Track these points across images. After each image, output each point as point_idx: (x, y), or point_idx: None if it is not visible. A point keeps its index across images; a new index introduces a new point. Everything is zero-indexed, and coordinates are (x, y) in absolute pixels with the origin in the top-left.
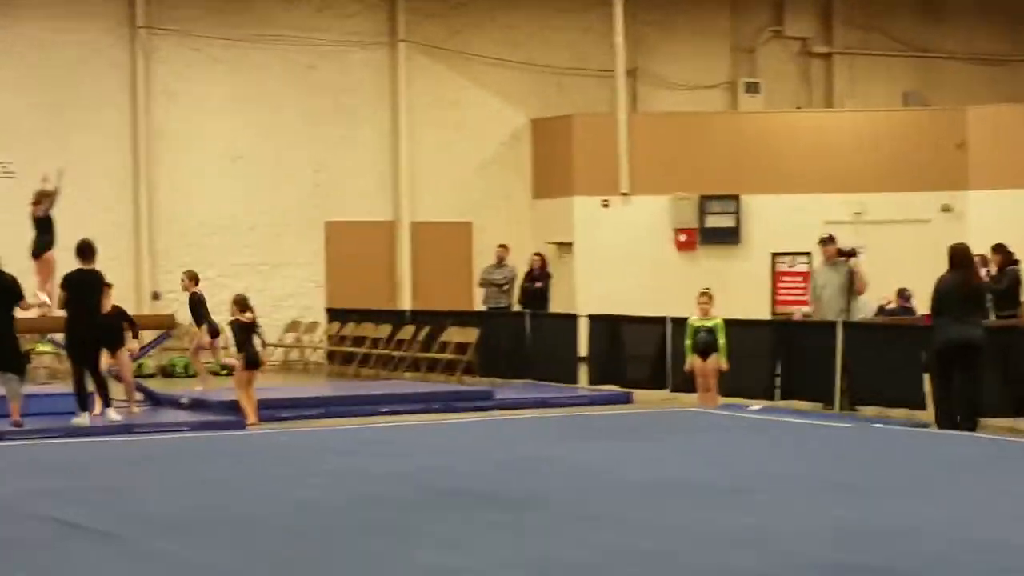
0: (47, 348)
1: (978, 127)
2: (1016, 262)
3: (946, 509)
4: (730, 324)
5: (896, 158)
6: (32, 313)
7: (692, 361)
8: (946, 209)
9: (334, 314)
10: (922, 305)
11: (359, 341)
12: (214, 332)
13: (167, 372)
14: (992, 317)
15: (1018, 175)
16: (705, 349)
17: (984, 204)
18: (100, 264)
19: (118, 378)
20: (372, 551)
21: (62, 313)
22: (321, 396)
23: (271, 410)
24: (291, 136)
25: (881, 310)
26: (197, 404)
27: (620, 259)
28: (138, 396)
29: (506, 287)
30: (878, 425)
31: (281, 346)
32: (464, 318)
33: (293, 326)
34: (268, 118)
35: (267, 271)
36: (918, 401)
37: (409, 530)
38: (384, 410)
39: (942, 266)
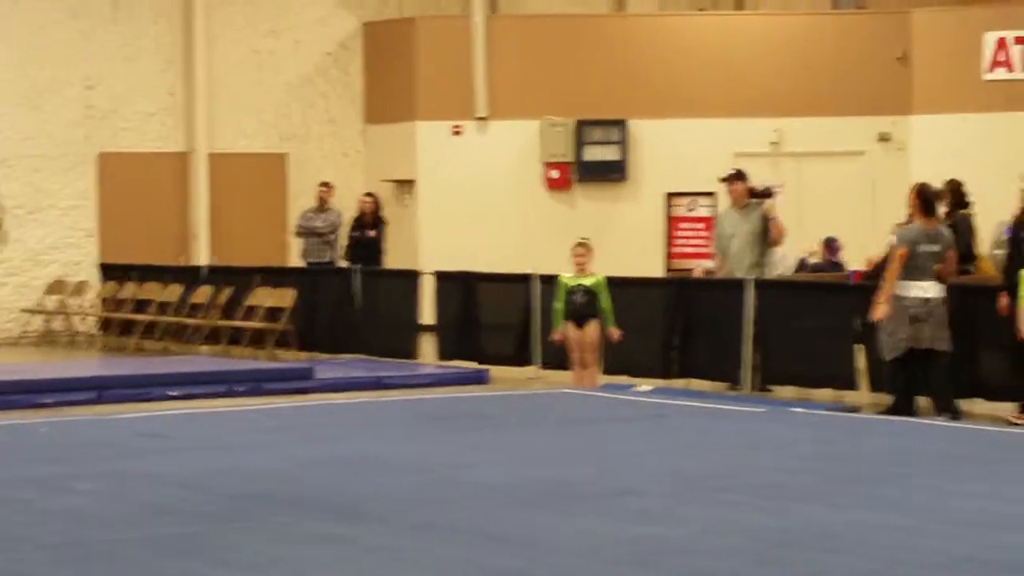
0: None
1: (924, 36)
2: (968, 204)
3: (880, 513)
4: (613, 283)
5: (822, 75)
6: None
7: (564, 329)
8: (884, 138)
9: (109, 271)
10: (853, 258)
11: (142, 306)
12: None
13: None
14: None
15: (971, 95)
16: (581, 314)
17: (930, 131)
18: None
19: None
20: None
21: None
22: (93, 376)
23: (28, 395)
24: (54, 44)
25: (802, 265)
26: None
27: (475, 202)
28: None
29: (330, 237)
30: (797, 410)
31: (41, 312)
32: (277, 276)
33: (56, 287)
34: (21, 20)
35: (22, 217)
36: (847, 379)
37: (207, 549)
38: (174, 394)
39: (880, 208)
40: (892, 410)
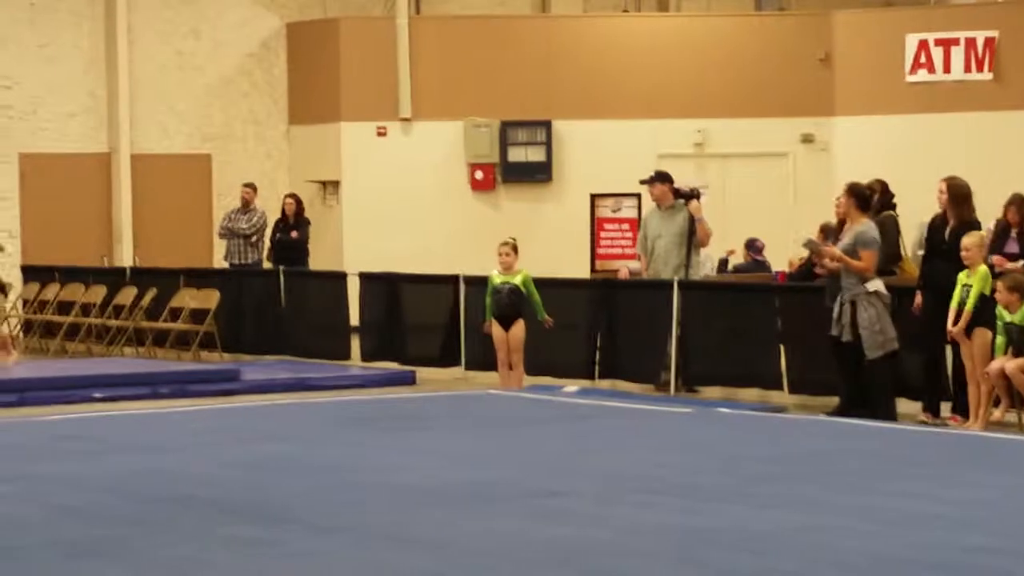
0: None
1: (846, 38)
2: (894, 205)
3: (803, 513)
4: (539, 284)
5: (746, 76)
6: None
7: (489, 324)
8: (807, 139)
9: (31, 273)
10: (775, 259)
11: (65, 307)
12: None
13: None
14: None
15: (894, 97)
16: (506, 314)
17: (853, 133)
18: None
19: None
20: None
21: None
22: (14, 379)
23: None
24: None
25: (723, 266)
26: None
27: (400, 202)
28: None
29: (254, 238)
30: (723, 410)
31: None
32: (201, 278)
33: None
34: None
35: None
36: (772, 379)
37: (123, 552)
38: (98, 396)
39: (802, 208)
40: (847, 410)
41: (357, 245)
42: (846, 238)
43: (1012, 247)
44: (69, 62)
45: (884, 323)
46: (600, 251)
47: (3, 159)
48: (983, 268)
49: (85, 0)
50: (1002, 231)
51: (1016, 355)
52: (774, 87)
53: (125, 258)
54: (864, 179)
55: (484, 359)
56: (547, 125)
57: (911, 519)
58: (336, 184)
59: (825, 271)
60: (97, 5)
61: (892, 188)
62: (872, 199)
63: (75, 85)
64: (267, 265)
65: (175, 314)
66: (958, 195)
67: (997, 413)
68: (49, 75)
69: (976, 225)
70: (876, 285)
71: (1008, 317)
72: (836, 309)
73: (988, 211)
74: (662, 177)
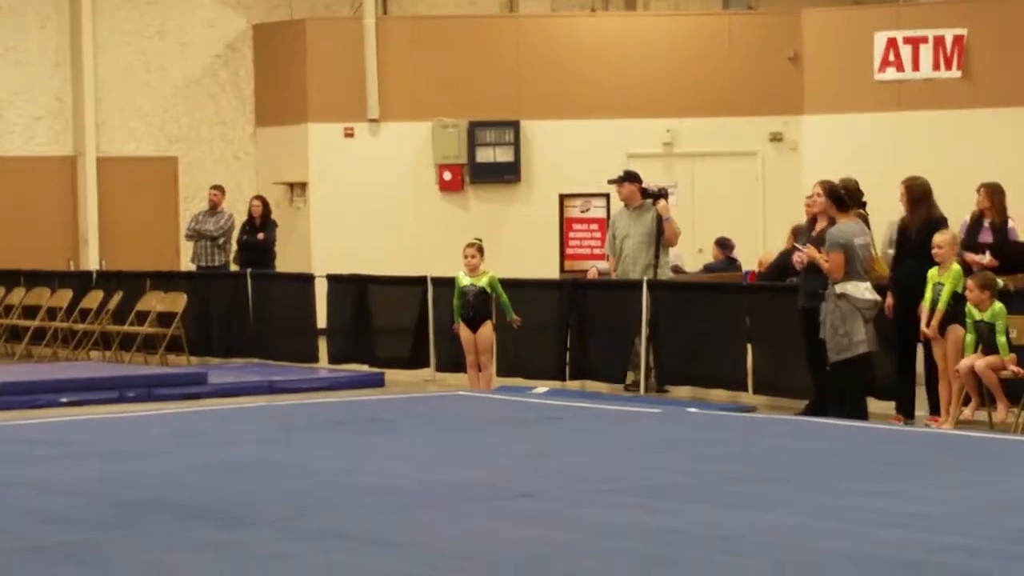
0: None
1: (814, 36)
2: (864, 204)
3: (774, 513)
4: (508, 285)
5: (714, 75)
6: None
7: (458, 326)
8: (776, 138)
9: None
10: (747, 258)
11: (30, 311)
12: None
13: None
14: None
15: (862, 96)
16: (473, 316)
17: (822, 131)
18: None
19: None
20: None
21: None
22: None
23: None
24: None
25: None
26: None
27: (367, 203)
28: None
29: (222, 240)
30: (693, 410)
31: None
32: (168, 280)
33: None
34: None
35: None
36: (741, 380)
37: (90, 557)
38: (64, 400)
39: (771, 207)
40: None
41: (325, 247)
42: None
43: (986, 236)
44: (34, 65)
45: (851, 326)
46: (569, 251)
47: None
48: (956, 267)
49: (51, 3)
50: (975, 221)
51: (986, 353)
52: (743, 86)
53: (91, 261)
54: (834, 177)
55: (453, 361)
56: (515, 125)
57: (883, 518)
58: (303, 186)
59: (802, 265)
60: (62, 7)
61: (861, 187)
62: (846, 193)
63: (40, 88)
64: (234, 267)
65: (142, 317)
66: (917, 195)
67: (967, 412)
68: (14, 78)
69: (942, 222)
70: (845, 288)
71: (978, 315)
72: (822, 310)
73: (957, 209)
74: (630, 177)
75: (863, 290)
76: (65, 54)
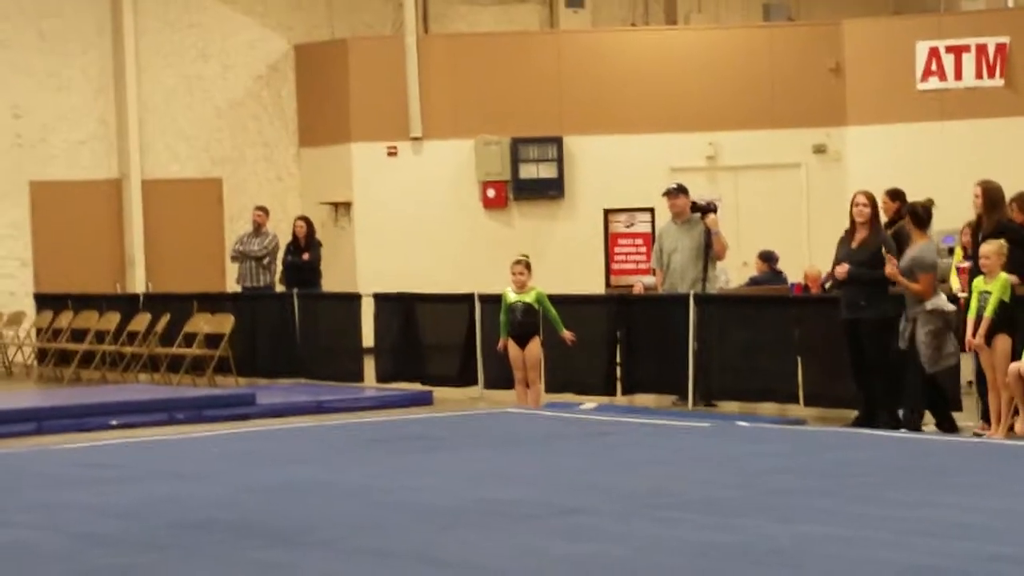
0: None
1: (856, 47)
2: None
3: (827, 525)
4: (555, 301)
5: (756, 88)
6: None
7: (505, 343)
8: (819, 150)
9: (45, 301)
10: (792, 271)
11: (79, 335)
12: None
13: None
14: None
15: (905, 106)
16: (521, 332)
17: (865, 142)
18: None
19: None
20: None
21: None
22: (30, 407)
23: None
24: None
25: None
26: None
27: (412, 222)
28: None
29: (266, 261)
30: (742, 424)
31: None
32: (214, 302)
33: None
34: None
35: None
36: (791, 393)
37: None
38: (114, 423)
39: (815, 219)
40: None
41: (370, 266)
42: (905, 257)
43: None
44: (78, 90)
45: (941, 340)
46: (614, 266)
47: (14, 188)
48: (1003, 275)
49: (94, 28)
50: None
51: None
52: (785, 98)
53: (138, 284)
54: (877, 188)
55: (502, 378)
56: (558, 141)
57: (934, 529)
58: (348, 205)
59: (835, 281)
60: (105, 32)
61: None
62: (928, 217)
63: (84, 112)
64: (279, 288)
65: (189, 339)
66: (995, 198)
67: (1019, 426)
68: (58, 103)
69: (1013, 227)
70: (936, 303)
71: (984, 285)
72: (902, 323)
73: None
74: (685, 190)
75: (945, 301)
76: (108, 78)
